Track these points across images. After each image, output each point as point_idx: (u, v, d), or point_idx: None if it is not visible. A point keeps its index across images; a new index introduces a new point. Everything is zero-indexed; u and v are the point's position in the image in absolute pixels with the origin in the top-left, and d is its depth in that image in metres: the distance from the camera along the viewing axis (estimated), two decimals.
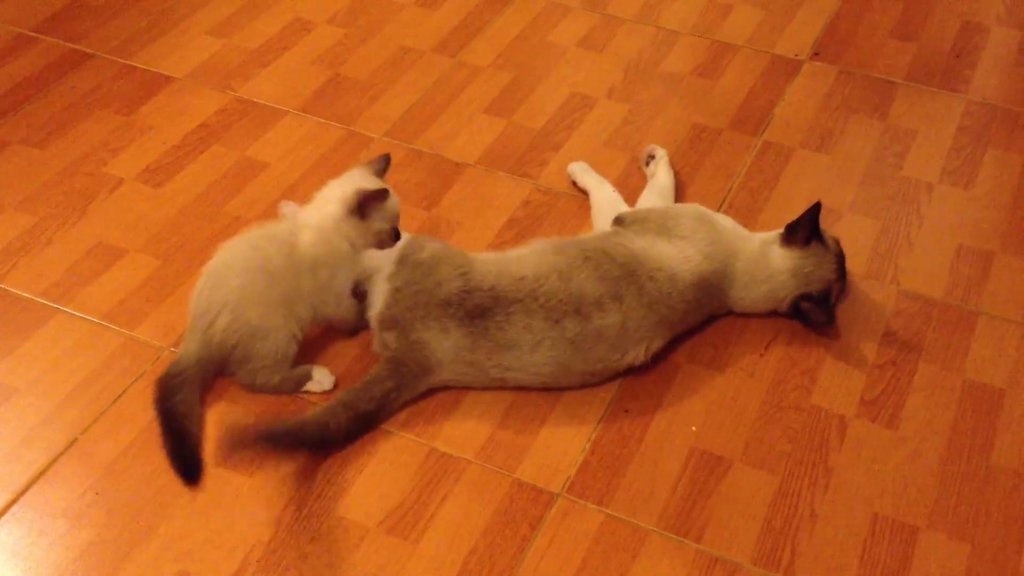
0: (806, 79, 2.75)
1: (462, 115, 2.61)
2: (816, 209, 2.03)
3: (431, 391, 1.96)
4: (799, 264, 2.05)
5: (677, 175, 2.39)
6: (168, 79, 2.69)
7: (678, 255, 2.00)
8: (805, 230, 2.05)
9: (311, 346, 2.00)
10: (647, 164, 2.41)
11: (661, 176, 2.35)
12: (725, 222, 2.13)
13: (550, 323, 1.90)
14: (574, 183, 2.39)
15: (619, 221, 2.14)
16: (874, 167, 2.49)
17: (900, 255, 2.27)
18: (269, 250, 1.90)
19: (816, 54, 2.83)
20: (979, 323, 2.13)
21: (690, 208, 2.15)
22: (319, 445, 1.87)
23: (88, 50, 2.77)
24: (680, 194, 2.36)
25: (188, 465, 1.82)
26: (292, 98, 2.64)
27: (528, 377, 1.94)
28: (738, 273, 2.05)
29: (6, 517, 1.78)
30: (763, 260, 2.06)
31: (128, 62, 2.74)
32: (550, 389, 1.97)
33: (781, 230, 2.08)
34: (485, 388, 1.96)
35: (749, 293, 2.07)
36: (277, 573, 1.70)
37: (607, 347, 1.93)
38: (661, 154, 2.40)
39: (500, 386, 1.96)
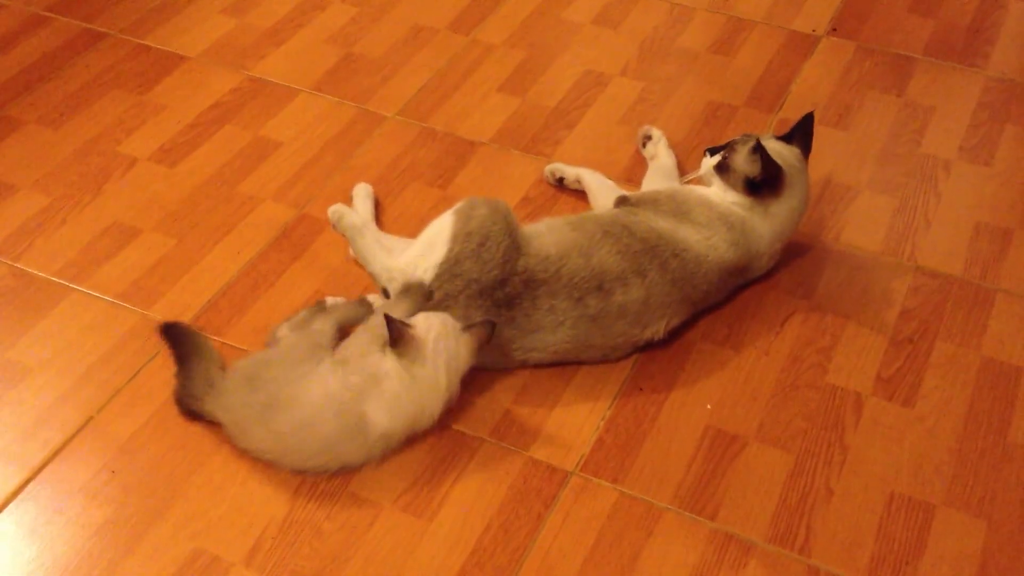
0: (823, 55, 2.73)
1: (476, 93, 2.60)
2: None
3: None
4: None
5: (693, 153, 2.38)
6: (182, 58, 2.69)
7: (705, 242, 1.98)
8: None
9: None
10: (643, 146, 2.39)
11: (663, 157, 2.33)
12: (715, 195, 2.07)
13: (572, 302, 1.89)
14: (560, 180, 2.31)
15: (624, 201, 2.11)
16: (892, 144, 2.47)
17: (917, 232, 2.25)
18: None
19: (834, 30, 2.81)
20: (997, 300, 2.12)
21: (694, 194, 2.08)
22: None
23: (102, 29, 2.77)
24: None
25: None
26: (306, 77, 2.63)
27: (547, 355, 1.94)
28: (756, 255, 2.05)
29: (22, 496, 1.79)
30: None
31: (142, 41, 2.74)
32: (567, 363, 1.96)
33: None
34: (504, 369, 1.96)
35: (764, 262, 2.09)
36: (292, 551, 1.71)
37: (628, 322, 1.93)
38: (658, 135, 2.38)
39: (519, 366, 1.96)
